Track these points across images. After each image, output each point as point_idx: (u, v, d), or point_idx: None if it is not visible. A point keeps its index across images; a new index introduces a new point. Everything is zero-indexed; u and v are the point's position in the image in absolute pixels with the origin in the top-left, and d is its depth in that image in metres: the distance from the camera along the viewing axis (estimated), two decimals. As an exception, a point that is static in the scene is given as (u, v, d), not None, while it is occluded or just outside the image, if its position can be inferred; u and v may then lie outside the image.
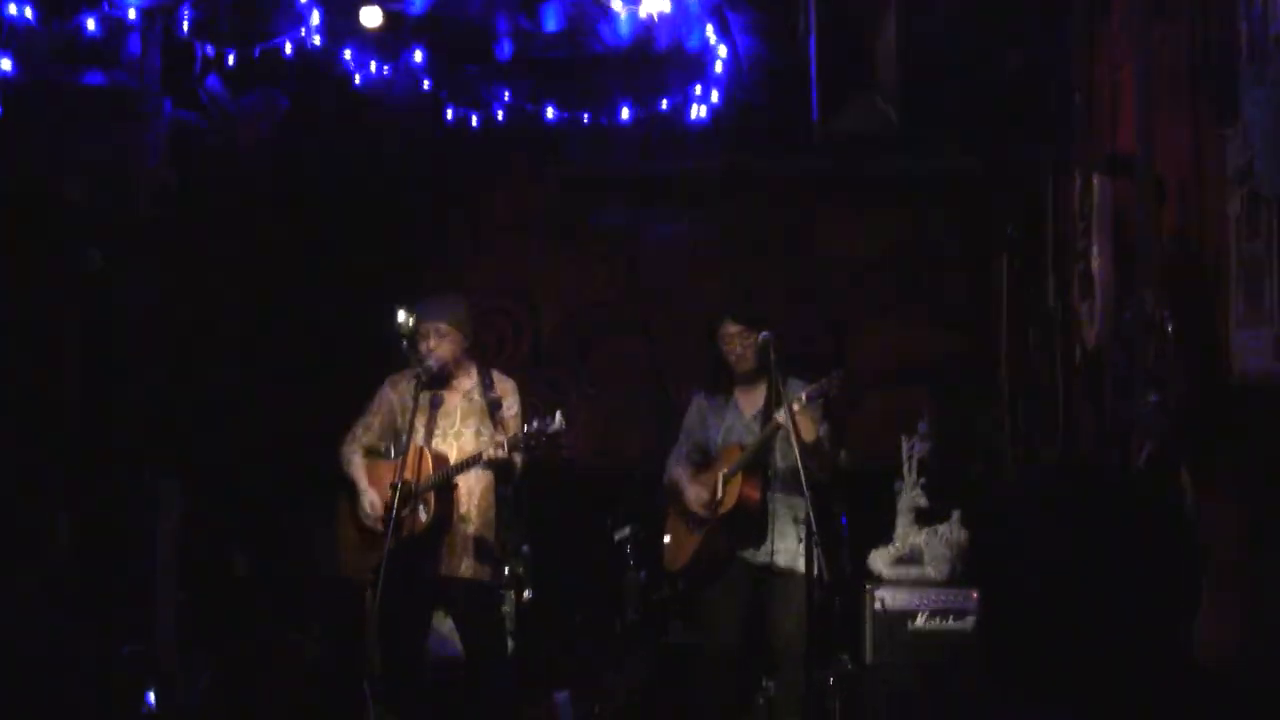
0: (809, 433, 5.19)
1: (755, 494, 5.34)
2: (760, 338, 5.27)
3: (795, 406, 5.08)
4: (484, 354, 5.82)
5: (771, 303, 6.93)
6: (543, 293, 7.89)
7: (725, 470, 5.41)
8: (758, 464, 5.38)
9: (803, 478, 4.84)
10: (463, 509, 5.37)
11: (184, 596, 5.95)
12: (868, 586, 5.82)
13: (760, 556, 5.39)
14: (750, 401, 5.51)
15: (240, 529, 6.82)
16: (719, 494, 5.41)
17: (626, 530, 6.71)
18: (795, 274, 7.59)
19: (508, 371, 5.65)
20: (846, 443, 6.02)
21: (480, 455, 5.20)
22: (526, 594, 6.52)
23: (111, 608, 5.91)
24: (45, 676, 5.51)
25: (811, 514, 4.82)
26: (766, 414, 5.33)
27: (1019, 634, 5.65)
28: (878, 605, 5.74)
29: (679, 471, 5.62)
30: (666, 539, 5.71)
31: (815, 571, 4.90)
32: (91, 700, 5.63)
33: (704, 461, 5.60)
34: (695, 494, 5.50)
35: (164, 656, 5.65)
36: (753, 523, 5.38)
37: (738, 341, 5.45)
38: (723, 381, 5.58)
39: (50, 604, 5.74)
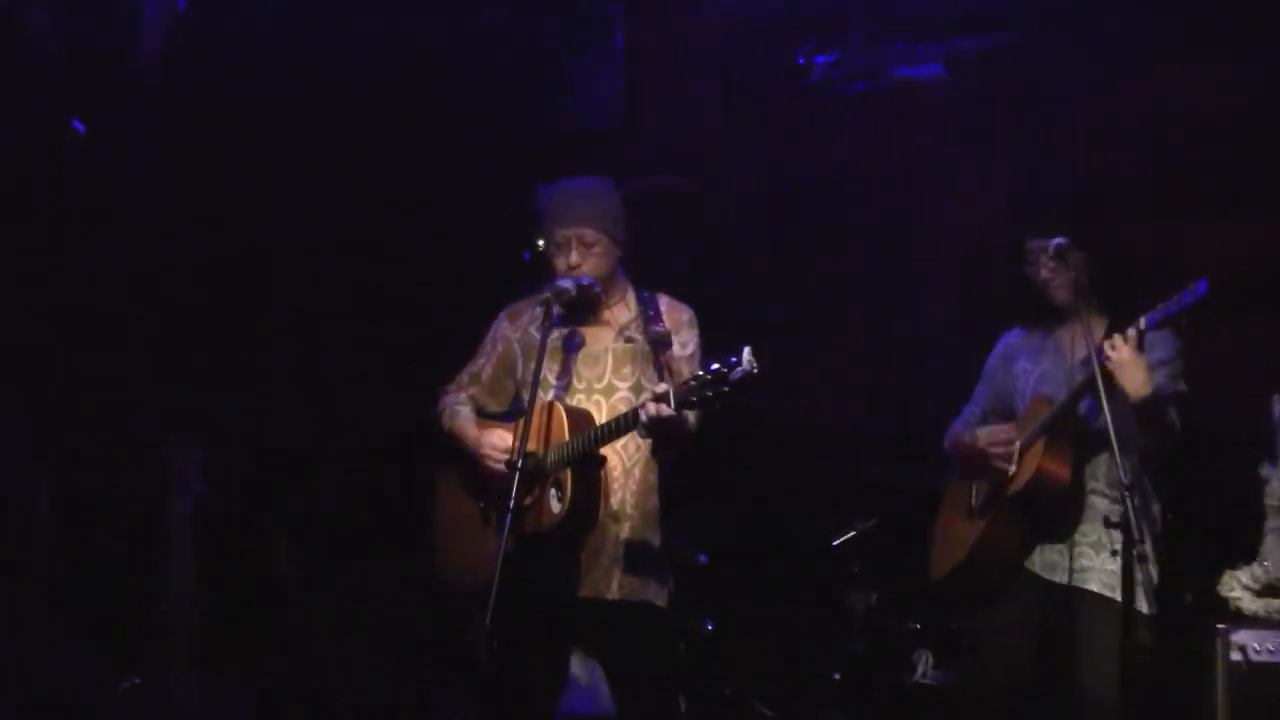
0: (1139, 385, 4.77)
1: (1062, 471, 4.97)
2: (1050, 247, 5.03)
3: (1123, 343, 4.77)
4: (636, 262, 5.40)
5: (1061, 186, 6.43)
6: (718, 171, 7.40)
7: (1023, 436, 5.10)
8: (1069, 430, 5.01)
9: (1117, 456, 4.52)
10: (614, 499, 4.93)
11: (205, 605, 5.66)
12: (1219, 626, 5.47)
13: (1060, 572, 5.06)
14: (1077, 342, 5.14)
15: (286, 512, 6.72)
16: (1012, 467, 5.11)
17: (851, 531, 6.46)
18: (1097, 146, 6.96)
19: (672, 286, 5.22)
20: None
21: (636, 414, 4.65)
22: (705, 625, 6.31)
23: (107, 617, 5.84)
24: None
25: (1132, 513, 4.53)
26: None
27: None
28: (1235, 655, 5.42)
29: (963, 434, 5.37)
30: (935, 533, 5.48)
31: (1135, 600, 4.75)
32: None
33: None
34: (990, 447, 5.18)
35: (178, 689, 5.54)
36: (1055, 512, 5.03)
37: (1044, 263, 5.16)
38: (1041, 314, 5.33)
39: (22, 607, 5.74)
